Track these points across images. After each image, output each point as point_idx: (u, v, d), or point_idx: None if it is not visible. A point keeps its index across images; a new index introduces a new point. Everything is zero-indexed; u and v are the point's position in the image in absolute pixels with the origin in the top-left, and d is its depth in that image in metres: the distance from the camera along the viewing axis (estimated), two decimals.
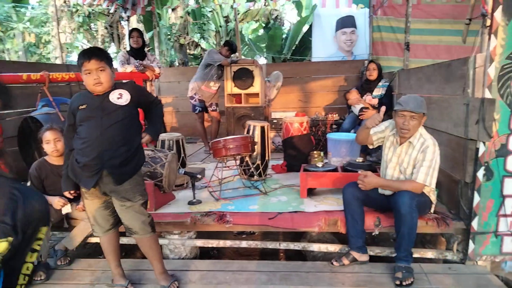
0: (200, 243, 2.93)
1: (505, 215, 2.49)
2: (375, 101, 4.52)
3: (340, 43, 7.03)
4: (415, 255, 2.66)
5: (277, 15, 9.72)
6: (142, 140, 2.22)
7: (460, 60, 2.59)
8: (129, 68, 4.65)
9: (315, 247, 2.83)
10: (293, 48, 9.34)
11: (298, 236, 3.21)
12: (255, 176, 3.74)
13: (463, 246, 2.63)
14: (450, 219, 2.64)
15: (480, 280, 2.39)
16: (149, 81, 4.79)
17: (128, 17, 6.80)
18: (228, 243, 2.91)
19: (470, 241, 2.55)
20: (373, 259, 2.68)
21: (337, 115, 5.30)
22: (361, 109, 4.49)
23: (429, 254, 2.72)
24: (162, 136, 3.96)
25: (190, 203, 3.11)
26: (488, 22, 2.26)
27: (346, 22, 6.91)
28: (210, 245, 2.93)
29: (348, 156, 3.88)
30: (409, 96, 2.51)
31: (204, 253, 3.20)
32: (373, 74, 4.54)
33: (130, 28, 5.49)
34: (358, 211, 2.59)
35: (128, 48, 4.90)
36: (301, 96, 6.58)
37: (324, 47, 7.14)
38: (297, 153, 4.17)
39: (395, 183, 2.53)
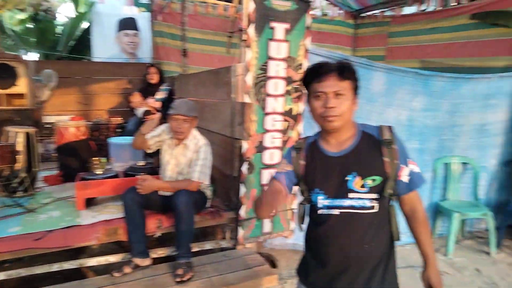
0: None
1: None
2: (158, 104, 4.58)
3: (122, 44, 6.79)
4: (195, 249, 2.83)
5: (49, 7, 8.54)
6: None
7: (225, 69, 2.90)
8: None
9: (94, 261, 2.61)
10: (71, 45, 8.41)
11: (78, 252, 2.89)
12: (19, 192, 3.15)
13: (234, 233, 2.96)
14: (223, 210, 2.93)
15: (247, 260, 2.75)
16: None
17: None
18: None
19: (239, 228, 2.89)
20: (157, 261, 2.68)
21: (121, 118, 5.09)
22: (145, 112, 4.46)
23: (207, 245, 2.93)
24: None
25: None
26: (244, 37, 2.61)
27: (128, 24, 6.72)
28: None
29: (132, 160, 3.77)
30: (181, 100, 2.64)
31: None
32: (154, 78, 4.59)
33: None
34: (138, 215, 2.54)
35: None
36: (81, 98, 5.98)
37: (105, 47, 6.72)
38: (75, 161, 3.76)
39: (172, 184, 2.61)
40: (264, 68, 2.68)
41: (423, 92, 3.46)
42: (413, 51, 5.62)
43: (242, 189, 2.84)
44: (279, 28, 2.64)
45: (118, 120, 5.03)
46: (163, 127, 2.75)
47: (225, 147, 3.02)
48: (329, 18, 6.54)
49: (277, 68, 2.71)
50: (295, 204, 3.12)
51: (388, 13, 6.18)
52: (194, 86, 3.84)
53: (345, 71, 1.27)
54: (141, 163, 3.28)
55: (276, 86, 2.75)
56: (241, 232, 2.91)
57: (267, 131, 2.82)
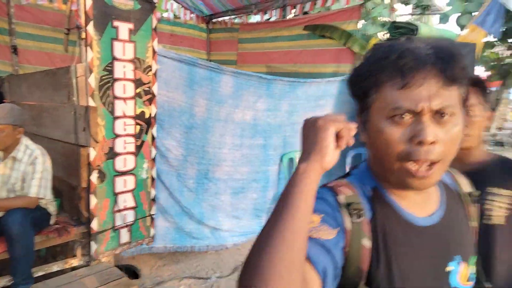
0: None
1: (119, 210, 2.78)
2: None
3: None
4: (40, 273, 2.50)
5: None
6: None
7: (64, 69, 2.63)
8: None
9: None
10: None
11: None
12: None
13: (87, 249, 2.72)
14: (72, 226, 2.65)
15: (103, 276, 2.55)
16: None
17: None
18: None
19: (92, 242, 2.67)
20: None
21: None
22: None
23: (55, 267, 2.62)
24: None
25: None
26: (84, 35, 2.41)
27: None
28: None
29: None
30: None
31: None
32: None
33: None
34: None
35: None
36: None
37: None
38: None
39: (4, 202, 2.24)
40: (109, 69, 2.52)
41: (266, 94, 3.81)
42: (260, 56, 6.13)
43: (93, 200, 2.63)
44: (123, 28, 2.53)
45: None
46: None
47: (70, 155, 2.74)
48: (182, 21, 6.59)
49: (124, 70, 2.59)
50: (154, 210, 3.04)
51: (237, 20, 6.58)
52: (28, 88, 3.36)
53: (454, 65, 0.65)
54: None
55: (124, 89, 2.63)
56: (94, 246, 2.68)
57: (118, 135, 2.67)
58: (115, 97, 2.60)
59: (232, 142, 3.73)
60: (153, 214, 3.03)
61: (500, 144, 10.83)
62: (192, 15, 6.62)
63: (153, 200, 3.01)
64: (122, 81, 2.61)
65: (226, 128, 3.65)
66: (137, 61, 2.66)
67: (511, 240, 1.13)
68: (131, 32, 2.59)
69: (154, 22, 2.71)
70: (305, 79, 4.25)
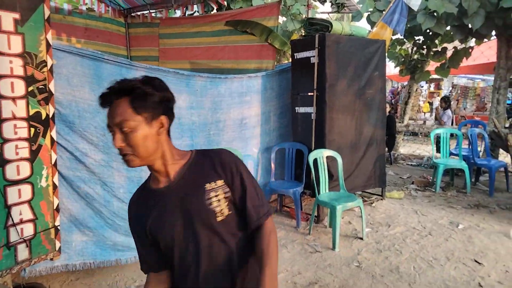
0: None
1: (14, 225, 2.46)
2: None
3: None
4: None
5: None
6: None
7: None
8: None
9: None
10: None
11: None
12: None
13: None
14: None
15: None
16: None
17: None
18: None
19: None
20: None
21: None
22: None
23: None
24: None
25: None
26: None
27: None
28: None
29: None
30: None
31: None
32: None
33: None
34: None
35: None
36: None
37: None
38: None
39: None
40: None
41: (186, 91, 3.66)
42: (183, 52, 5.93)
43: None
44: (7, 18, 2.22)
45: None
46: None
47: None
48: (97, 14, 6.13)
49: (10, 65, 2.28)
50: (58, 221, 2.75)
51: (157, 15, 6.29)
52: None
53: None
54: None
55: (12, 87, 2.31)
56: None
57: (7, 140, 2.35)
58: (1, 97, 2.28)
59: None
60: (57, 225, 2.74)
61: (414, 134, 11.79)
62: (108, 8, 6.20)
63: (57, 210, 2.72)
64: (9, 78, 2.29)
65: None
66: (27, 56, 2.36)
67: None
68: (18, 22, 2.28)
69: (47, 13, 2.42)
70: (226, 75, 4.17)
